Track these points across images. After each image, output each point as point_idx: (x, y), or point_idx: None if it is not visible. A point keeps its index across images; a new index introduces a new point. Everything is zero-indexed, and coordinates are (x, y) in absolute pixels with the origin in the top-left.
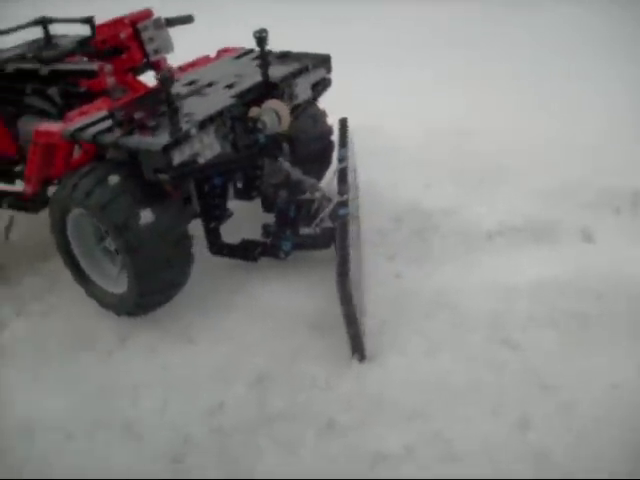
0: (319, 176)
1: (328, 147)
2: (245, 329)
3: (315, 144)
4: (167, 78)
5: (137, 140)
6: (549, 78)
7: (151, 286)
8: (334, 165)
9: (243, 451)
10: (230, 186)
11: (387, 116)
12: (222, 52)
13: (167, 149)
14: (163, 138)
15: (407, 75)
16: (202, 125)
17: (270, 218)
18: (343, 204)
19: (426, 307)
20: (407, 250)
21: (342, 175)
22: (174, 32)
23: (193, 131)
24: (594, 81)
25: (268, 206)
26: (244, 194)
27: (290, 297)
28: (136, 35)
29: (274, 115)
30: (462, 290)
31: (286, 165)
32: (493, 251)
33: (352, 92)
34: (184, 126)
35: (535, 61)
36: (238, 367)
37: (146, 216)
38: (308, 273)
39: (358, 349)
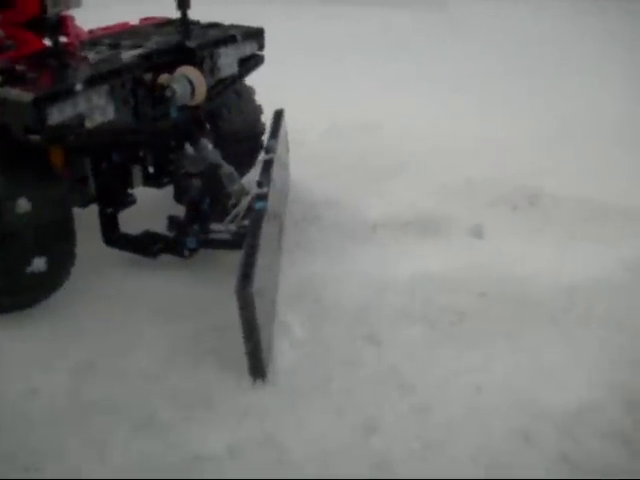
0: (243, 168)
1: (256, 134)
2: (90, 318)
3: (241, 128)
4: (54, 25)
5: (5, 92)
6: (470, 78)
7: (15, 284)
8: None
9: (46, 444)
10: (137, 169)
11: (297, 109)
12: (144, 20)
13: (39, 102)
14: (36, 92)
15: (323, 69)
16: (91, 82)
17: (182, 211)
18: (261, 197)
19: (285, 298)
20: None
21: (266, 166)
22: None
23: (78, 86)
24: (514, 84)
25: (180, 195)
26: (154, 180)
27: (162, 290)
28: None
29: (186, 83)
30: (329, 281)
31: (208, 149)
32: (374, 243)
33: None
34: (68, 81)
35: (463, 61)
36: (65, 354)
37: (21, 205)
38: (206, 270)
39: (257, 369)
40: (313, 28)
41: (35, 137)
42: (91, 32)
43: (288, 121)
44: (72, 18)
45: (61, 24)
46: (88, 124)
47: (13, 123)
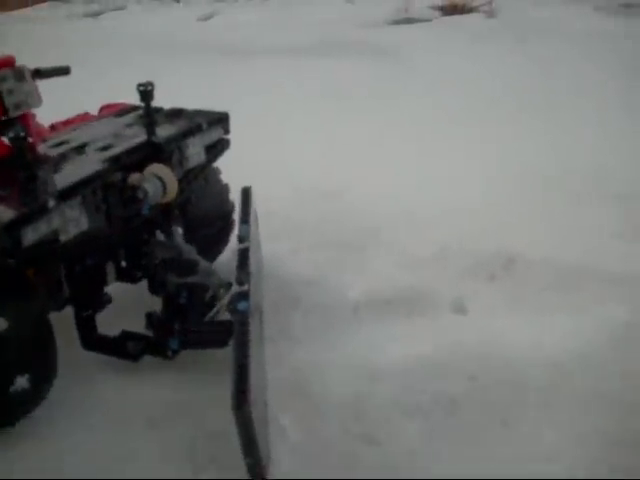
0: (215, 252)
1: (225, 214)
2: (77, 433)
3: (210, 211)
4: (21, 137)
5: None
6: (428, 137)
7: None
8: (233, 243)
9: None
10: (109, 266)
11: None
12: (105, 108)
13: (13, 226)
14: (9, 212)
15: (277, 132)
16: (63, 195)
17: (158, 302)
18: (243, 296)
19: (276, 396)
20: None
21: (242, 258)
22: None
23: (51, 203)
24: (472, 139)
25: (155, 287)
26: (127, 275)
27: (150, 396)
28: None
29: (157, 182)
30: (318, 373)
31: (179, 239)
32: (358, 326)
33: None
34: (40, 197)
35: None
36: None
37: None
38: (192, 369)
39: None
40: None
41: (10, 261)
42: (53, 128)
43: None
44: (33, 116)
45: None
46: (62, 238)
47: None
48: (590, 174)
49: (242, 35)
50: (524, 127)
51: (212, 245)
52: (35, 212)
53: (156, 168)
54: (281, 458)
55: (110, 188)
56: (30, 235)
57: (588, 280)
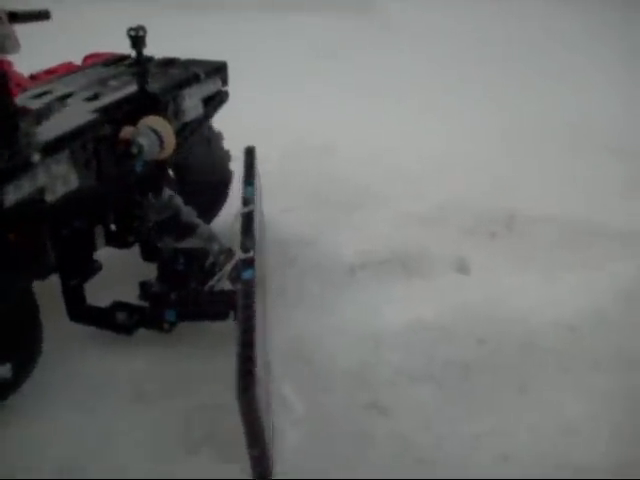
0: (211, 216)
1: (224, 179)
2: (66, 410)
3: (209, 175)
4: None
5: None
6: (429, 93)
7: None
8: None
9: None
10: (98, 230)
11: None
12: (89, 58)
13: None
14: None
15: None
16: (49, 149)
17: (152, 269)
18: (248, 263)
19: (278, 365)
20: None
21: (247, 223)
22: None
23: (35, 157)
24: (464, 95)
25: (148, 253)
26: (118, 239)
27: (143, 369)
28: None
29: (153, 136)
30: (318, 339)
31: (177, 199)
32: (356, 288)
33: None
34: (22, 151)
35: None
36: (44, 456)
37: None
38: (189, 342)
39: (263, 473)
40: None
41: None
42: (33, 77)
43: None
44: (10, 63)
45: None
46: (49, 197)
47: None
48: (582, 127)
49: None
50: (515, 80)
51: (205, 212)
52: (17, 167)
53: (151, 120)
54: (286, 431)
55: (101, 142)
56: (12, 194)
57: (592, 237)
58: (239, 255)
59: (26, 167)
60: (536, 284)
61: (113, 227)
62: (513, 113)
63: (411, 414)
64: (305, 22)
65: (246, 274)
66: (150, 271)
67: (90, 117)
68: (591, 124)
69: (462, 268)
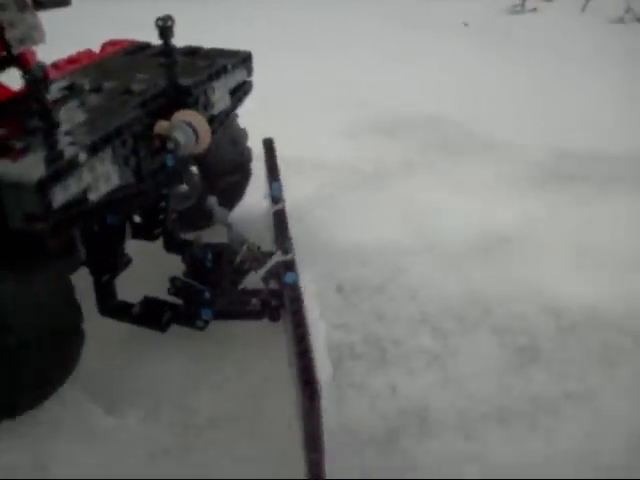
0: (233, 199)
1: (244, 162)
2: (102, 415)
3: (228, 159)
4: (40, 79)
5: None
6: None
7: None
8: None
9: None
10: (126, 224)
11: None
12: (108, 45)
13: (43, 185)
14: (37, 168)
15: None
16: (94, 148)
17: (177, 261)
18: (289, 266)
19: None
20: None
21: (280, 222)
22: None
23: (82, 157)
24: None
25: (171, 244)
26: (144, 232)
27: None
28: None
29: (189, 131)
30: None
31: (212, 200)
32: None
33: None
34: (67, 150)
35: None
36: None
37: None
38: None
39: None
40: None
41: (42, 225)
42: (55, 67)
43: None
44: (33, 53)
45: (26, 62)
46: (92, 196)
47: (9, 210)
48: None
49: None
50: None
51: (228, 196)
52: (65, 168)
53: (186, 115)
54: None
55: (139, 138)
56: (60, 195)
57: None
58: (278, 257)
59: (73, 167)
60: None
61: (137, 219)
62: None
63: None
64: None
65: (289, 278)
66: (172, 264)
67: (130, 114)
68: None
69: None
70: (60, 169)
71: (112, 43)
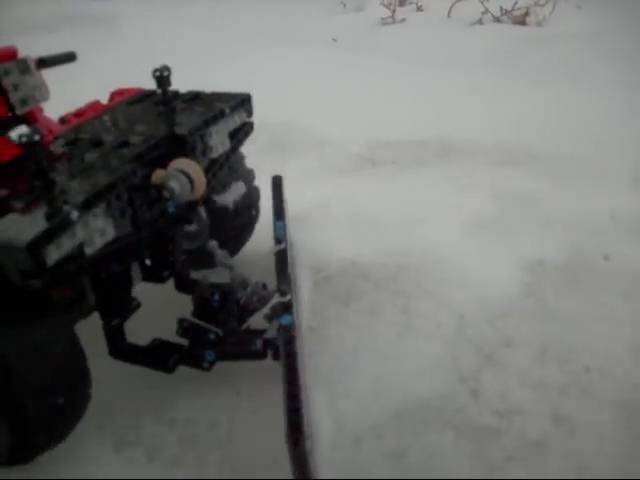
0: (241, 241)
1: (251, 202)
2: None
3: (235, 200)
4: (35, 142)
5: None
6: None
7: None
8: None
9: None
10: (135, 267)
11: None
12: (116, 95)
13: (35, 246)
14: (29, 229)
15: None
16: (86, 205)
17: (187, 301)
18: (286, 308)
19: None
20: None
21: (281, 263)
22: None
23: (74, 215)
24: None
25: (181, 284)
26: (154, 275)
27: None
28: None
29: (184, 179)
30: None
31: (212, 244)
32: None
33: None
34: (61, 209)
35: None
36: None
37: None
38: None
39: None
40: None
41: (34, 282)
42: (63, 121)
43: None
44: (40, 109)
45: (34, 119)
46: (88, 251)
47: (6, 269)
48: None
49: None
50: None
51: (236, 237)
52: (58, 227)
53: (181, 163)
54: None
55: (135, 190)
56: (54, 253)
57: None
58: (276, 298)
59: (66, 226)
60: None
61: (148, 262)
62: None
63: None
64: None
65: (284, 320)
66: (185, 303)
67: (124, 168)
68: None
69: None
70: (52, 228)
71: (119, 92)
